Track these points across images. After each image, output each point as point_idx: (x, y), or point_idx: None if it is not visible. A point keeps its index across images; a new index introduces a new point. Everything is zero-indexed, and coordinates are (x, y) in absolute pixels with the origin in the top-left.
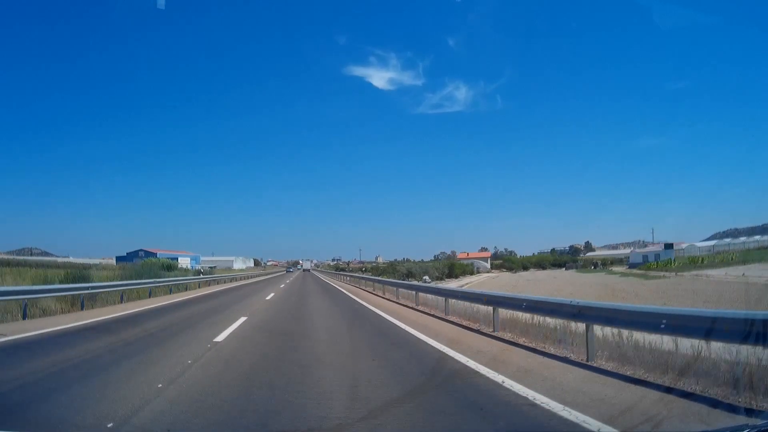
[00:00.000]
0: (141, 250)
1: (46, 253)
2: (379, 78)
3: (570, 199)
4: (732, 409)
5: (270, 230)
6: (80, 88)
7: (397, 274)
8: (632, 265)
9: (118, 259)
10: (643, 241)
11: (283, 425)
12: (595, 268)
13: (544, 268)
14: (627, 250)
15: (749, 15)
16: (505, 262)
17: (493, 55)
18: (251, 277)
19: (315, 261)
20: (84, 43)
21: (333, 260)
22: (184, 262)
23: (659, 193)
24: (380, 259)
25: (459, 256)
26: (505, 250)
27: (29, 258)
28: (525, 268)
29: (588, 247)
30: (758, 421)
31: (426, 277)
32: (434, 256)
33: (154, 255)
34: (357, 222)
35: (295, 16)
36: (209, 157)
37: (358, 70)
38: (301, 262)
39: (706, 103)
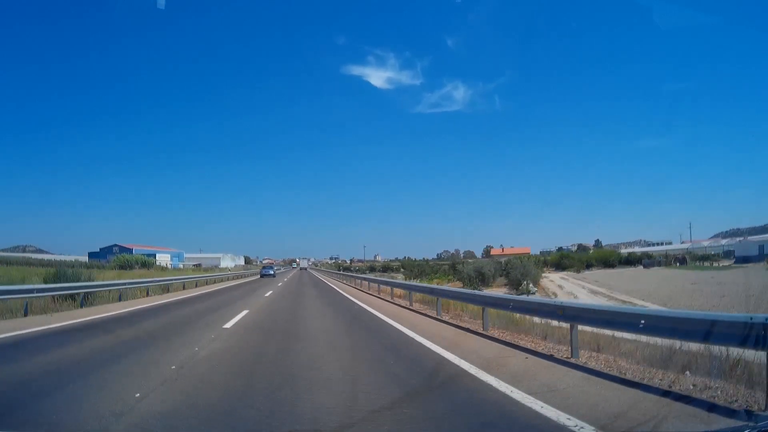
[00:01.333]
0: (115, 245)
1: (40, 251)
2: (378, 77)
3: (570, 199)
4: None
5: (267, 229)
6: (78, 87)
7: (460, 278)
8: (742, 259)
9: (91, 255)
10: (644, 241)
11: None
12: (681, 264)
13: (612, 266)
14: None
15: (749, 15)
16: (563, 259)
17: (492, 55)
18: (214, 282)
19: (312, 259)
20: (84, 43)
21: (331, 259)
22: (163, 258)
23: (660, 193)
24: (379, 258)
25: (493, 252)
26: (512, 248)
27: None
28: (587, 267)
29: (598, 245)
30: (758, 422)
31: (530, 284)
32: (437, 255)
33: (129, 251)
34: (355, 221)
35: (294, 16)
36: (208, 156)
37: (357, 70)
38: (297, 260)
39: (706, 103)
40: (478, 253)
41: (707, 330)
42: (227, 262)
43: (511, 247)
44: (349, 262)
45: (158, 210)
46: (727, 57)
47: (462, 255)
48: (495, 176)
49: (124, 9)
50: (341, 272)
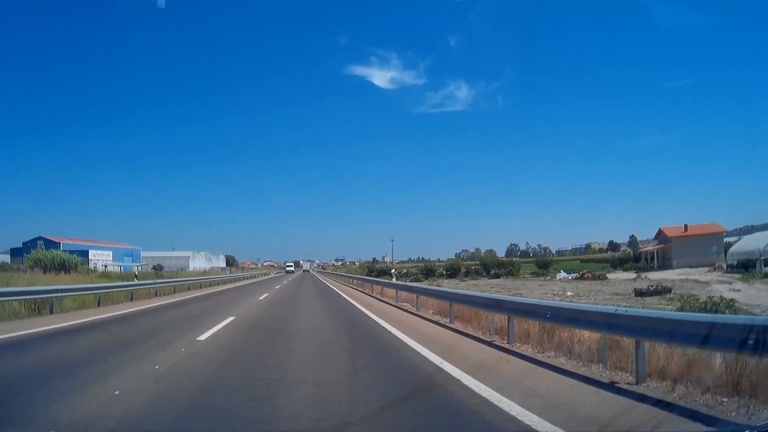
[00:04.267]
0: (40, 237)
1: None
2: (380, 77)
3: (572, 198)
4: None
5: (268, 230)
6: (77, 87)
7: None
8: None
9: (14, 251)
10: (650, 239)
11: None
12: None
13: None
14: None
15: (749, 14)
16: None
17: (494, 55)
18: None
19: (317, 261)
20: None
21: (337, 260)
22: (101, 257)
23: (661, 192)
24: (387, 259)
25: (666, 231)
26: (539, 246)
27: None
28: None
29: (634, 243)
30: (758, 422)
31: None
32: (456, 255)
33: (56, 245)
34: (359, 222)
35: (296, 16)
36: (209, 156)
37: (360, 70)
38: (301, 262)
39: (707, 101)
40: (501, 252)
41: None
42: (199, 262)
43: (696, 224)
44: (372, 261)
45: (161, 211)
46: (727, 55)
47: (483, 253)
48: (504, 175)
49: (124, 9)
50: (376, 278)
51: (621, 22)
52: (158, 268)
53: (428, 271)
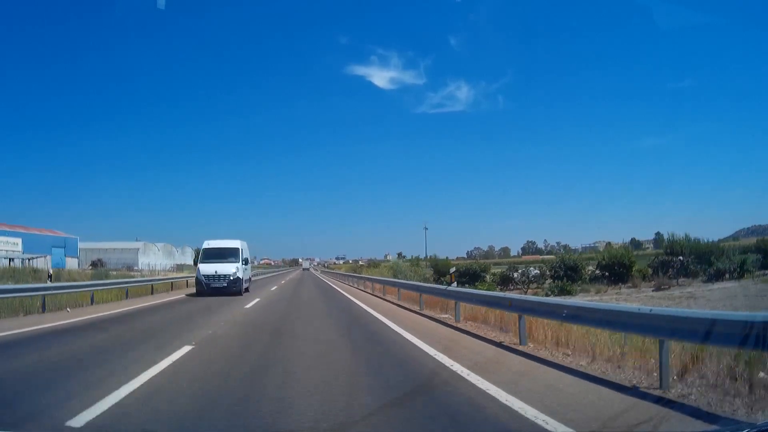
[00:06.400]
0: None
1: None
2: (381, 77)
3: (575, 197)
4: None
5: (267, 228)
6: (77, 86)
7: None
8: None
9: None
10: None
11: None
12: None
13: None
14: None
15: (750, 14)
16: None
17: (495, 55)
18: None
19: (317, 260)
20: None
21: (338, 258)
22: (3, 245)
23: (662, 192)
24: (389, 257)
25: None
26: (558, 243)
27: None
28: None
29: (658, 239)
30: (758, 421)
31: None
32: (467, 254)
33: None
34: (359, 221)
35: (296, 16)
36: (213, 155)
37: (360, 70)
38: (300, 260)
39: (709, 102)
40: (515, 250)
41: None
42: (154, 257)
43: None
44: (385, 260)
45: (159, 210)
46: (728, 56)
47: (497, 252)
48: (505, 175)
49: (124, 9)
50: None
51: (621, 22)
52: (98, 264)
53: (570, 271)
